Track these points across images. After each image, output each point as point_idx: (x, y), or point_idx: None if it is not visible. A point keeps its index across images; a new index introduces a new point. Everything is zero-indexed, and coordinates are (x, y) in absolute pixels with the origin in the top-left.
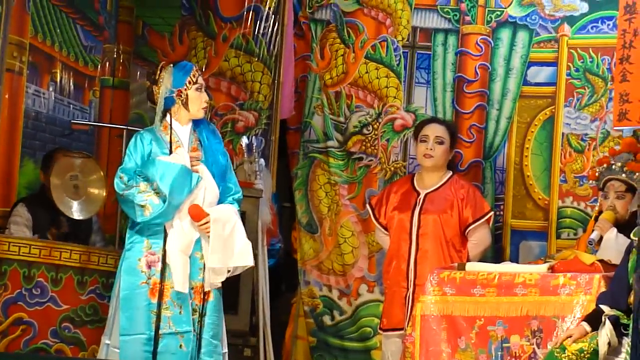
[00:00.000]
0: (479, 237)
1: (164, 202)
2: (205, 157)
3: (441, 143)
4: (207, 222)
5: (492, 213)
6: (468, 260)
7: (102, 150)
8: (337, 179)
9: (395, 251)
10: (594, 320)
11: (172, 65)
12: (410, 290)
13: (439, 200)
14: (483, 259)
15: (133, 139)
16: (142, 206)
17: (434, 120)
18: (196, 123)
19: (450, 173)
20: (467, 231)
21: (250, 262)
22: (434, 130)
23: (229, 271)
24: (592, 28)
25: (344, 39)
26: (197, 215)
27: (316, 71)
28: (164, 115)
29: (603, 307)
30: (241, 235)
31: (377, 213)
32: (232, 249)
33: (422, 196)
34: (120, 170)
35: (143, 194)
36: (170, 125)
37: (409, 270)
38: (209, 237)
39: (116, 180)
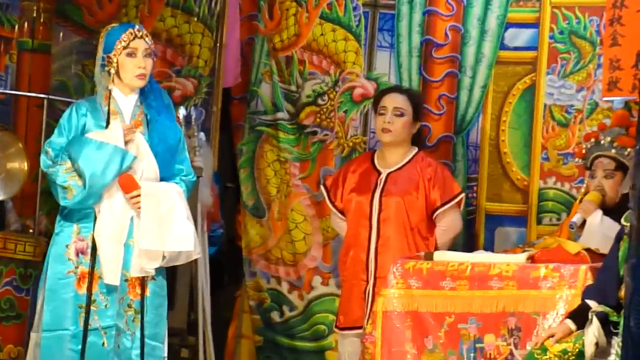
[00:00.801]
0: (449, 223)
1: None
2: (150, 134)
3: (401, 115)
4: (137, 196)
5: (463, 195)
6: (436, 249)
7: (20, 122)
8: (287, 155)
9: (353, 239)
10: (579, 317)
11: (110, 27)
12: (371, 283)
13: (403, 180)
14: (453, 247)
15: (68, 110)
16: (65, 188)
17: (394, 89)
18: (145, 94)
19: (416, 150)
20: (434, 215)
21: (190, 247)
22: (392, 101)
23: (164, 257)
24: None
25: None
26: (127, 186)
27: (264, 33)
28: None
29: (590, 302)
30: (181, 217)
31: (332, 195)
32: (169, 230)
33: (383, 176)
34: (47, 144)
35: (66, 174)
36: (109, 94)
37: (368, 260)
38: (139, 214)
39: (42, 156)
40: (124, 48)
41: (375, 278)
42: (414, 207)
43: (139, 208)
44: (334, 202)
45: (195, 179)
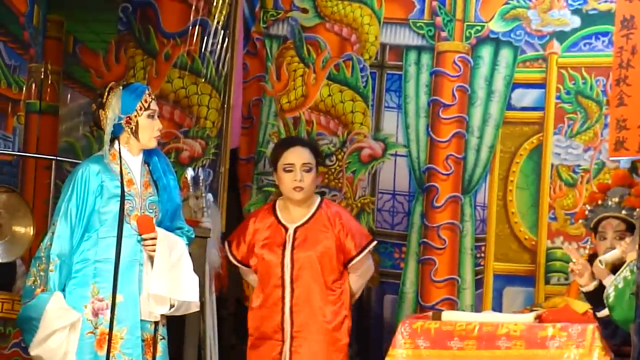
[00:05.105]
0: (364, 269)
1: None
2: (160, 195)
3: (309, 170)
4: (153, 238)
5: (375, 242)
6: (352, 296)
7: (28, 183)
8: None
9: (266, 299)
10: None
11: (121, 87)
12: (287, 343)
13: (313, 233)
14: (461, 307)
15: (79, 173)
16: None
17: (296, 142)
18: (148, 153)
19: (319, 199)
20: (350, 264)
21: (196, 299)
22: (300, 157)
23: (172, 307)
24: (584, 45)
25: (303, 57)
26: (144, 227)
27: (272, 94)
28: (111, 143)
29: None
30: (189, 268)
31: (234, 248)
32: (178, 280)
33: (291, 231)
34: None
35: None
36: (120, 154)
37: (284, 320)
38: (151, 257)
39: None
40: (146, 109)
41: (292, 337)
42: (326, 259)
43: (152, 251)
44: (236, 256)
45: (193, 234)
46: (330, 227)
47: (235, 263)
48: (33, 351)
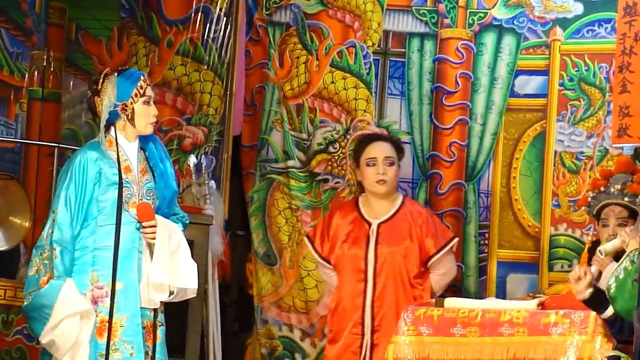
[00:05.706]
0: (447, 268)
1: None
2: (157, 181)
3: (392, 164)
4: (154, 226)
5: (456, 239)
6: (433, 295)
7: (30, 170)
8: (299, 203)
9: (346, 292)
10: None
11: (116, 73)
12: (368, 337)
13: (396, 230)
14: (465, 294)
15: (77, 160)
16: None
17: (378, 137)
18: (143, 139)
19: (402, 197)
20: (430, 263)
21: (195, 286)
22: (382, 150)
23: (171, 293)
24: (587, 32)
25: (306, 44)
26: (144, 215)
27: (274, 81)
28: (107, 129)
29: None
30: (187, 255)
31: (318, 246)
32: (177, 267)
33: (374, 227)
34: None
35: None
36: (116, 141)
37: (364, 314)
38: (150, 245)
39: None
40: (141, 96)
41: (373, 330)
42: (409, 256)
43: (152, 239)
44: (320, 252)
45: (188, 220)
46: (413, 225)
47: (320, 261)
48: (45, 339)
